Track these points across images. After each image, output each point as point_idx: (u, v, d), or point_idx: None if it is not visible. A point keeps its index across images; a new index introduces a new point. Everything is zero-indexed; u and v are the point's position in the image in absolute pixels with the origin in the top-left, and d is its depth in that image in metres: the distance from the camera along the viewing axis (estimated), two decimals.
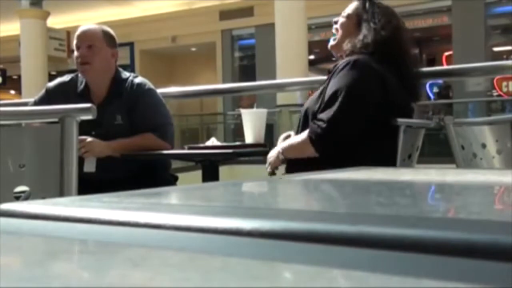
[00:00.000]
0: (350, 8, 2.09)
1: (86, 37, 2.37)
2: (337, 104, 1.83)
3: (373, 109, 1.88)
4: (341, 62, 1.92)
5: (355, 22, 2.03)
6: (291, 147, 1.94)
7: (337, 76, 1.90)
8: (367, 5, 2.04)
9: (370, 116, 1.88)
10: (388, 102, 1.90)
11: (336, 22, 2.12)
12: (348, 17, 2.07)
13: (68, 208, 0.44)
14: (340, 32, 2.08)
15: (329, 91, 1.88)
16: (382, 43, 1.94)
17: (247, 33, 13.04)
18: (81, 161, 2.25)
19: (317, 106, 1.92)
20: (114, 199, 0.55)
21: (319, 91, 1.99)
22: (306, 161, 1.88)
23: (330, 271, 0.28)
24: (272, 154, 2.02)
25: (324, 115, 1.84)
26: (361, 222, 0.36)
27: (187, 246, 0.35)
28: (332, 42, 2.12)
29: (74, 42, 2.40)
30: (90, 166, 2.24)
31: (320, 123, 1.84)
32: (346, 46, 2.01)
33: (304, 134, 1.88)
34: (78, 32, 2.40)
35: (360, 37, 1.97)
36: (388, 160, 1.91)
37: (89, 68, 2.35)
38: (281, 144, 2.02)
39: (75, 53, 2.38)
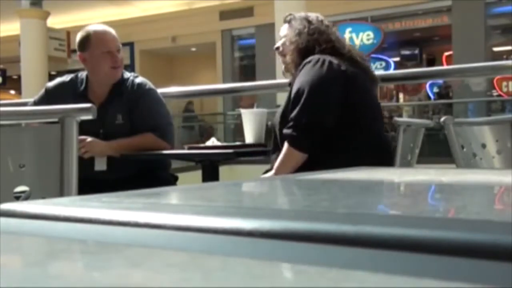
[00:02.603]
0: (283, 30, 2.18)
1: (117, 40, 2.38)
2: (303, 99, 1.87)
3: (340, 103, 1.91)
4: (300, 66, 1.98)
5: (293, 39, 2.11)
6: (280, 165, 1.92)
7: (297, 76, 1.95)
8: (293, 21, 2.13)
9: (340, 112, 1.91)
10: (352, 94, 1.94)
11: (278, 48, 2.19)
12: (286, 36, 2.14)
13: (68, 208, 0.44)
14: (286, 53, 2.14)
15: (293, 92, 1.93)
16: (319, 39, 2.03)
17: (247, 33, 13.03)
18: (92, 160, 2.26)
19: (281, 116, 1.98)
20: (114, 199, 0.55)
21: (283, 103, 2.04)
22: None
23: (330, 271, 0.28)
24: None
25: (293, 115, 1.88)
26: (361, 222, 0.36)
27: (187, 246, 0.35)
28: (283, 66, 2.18)
29: (111, 45, 2.35)
30: (101, 165, 2.26)
31: (291, 123, 1.88)
32: (293, 58, 2.07)
33: (285, 145, 1.89)
34: (110, 36, 2.37)
35: (300, 40, 2.06)
36: (374, 153, 1.93)
37: (120, 71, 2.36)
38: (272, 171, 2.00)
39: (117, 56, 2.35)
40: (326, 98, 1.90)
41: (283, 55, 2.16)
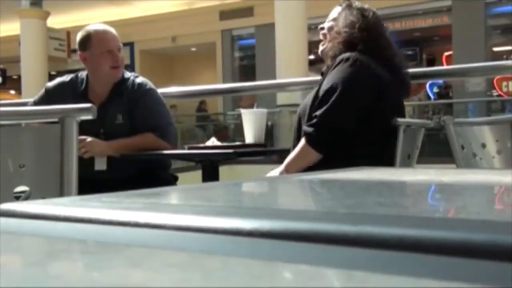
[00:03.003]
0: (335, 13, 2.10)
1: (118, 39, 2.38)
2: (332, 99, 1.83)
3: (366, 109, 1.88)
4: (337, 60, 1.92)
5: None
6: (293, 160, 1.89)
7: (331, 73, 1.90)
8: (348, 8, 2.04)
9: (364, 117, 1.88)
10: (381, 101, 1.90)
11: (322, 28, 2.12)
12: (335, 20, 2.07)
13: (68, 208, 0.44)
14: (329, 36, 2.08)
15: (324, 88, 1.88)
16: (367, 38, 1.95)
17: (247, 33, 13.04)
18: (92, 160, 2.26)
19: (310, 108, 1.92)
20: (114, 199, 0.55)
21: (312, 93, 1.99)
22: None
23: (330, 271, 0.28)
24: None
25: (317, 113, 1.84)
26: (361, 222, 0.36)
27: (187, 246, 0.35)
28: (321, 48, 2.12)
29: (112, 44, 2.34)
30: (101, 165, 2.26)
31: (314, 120, 1.84)
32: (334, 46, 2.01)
33: (302, 141, 1.87)
34: (111, 35, 2.36)
35: (349, 32, 1.98)
36: (384, 160, 1.92)
37: (120, 70, 2.36)
38: (282, 165, 1.95)
39: (118, 55, 2.34)
40: (355, 104, 1.86)
41: (325, 37, 2.10)
